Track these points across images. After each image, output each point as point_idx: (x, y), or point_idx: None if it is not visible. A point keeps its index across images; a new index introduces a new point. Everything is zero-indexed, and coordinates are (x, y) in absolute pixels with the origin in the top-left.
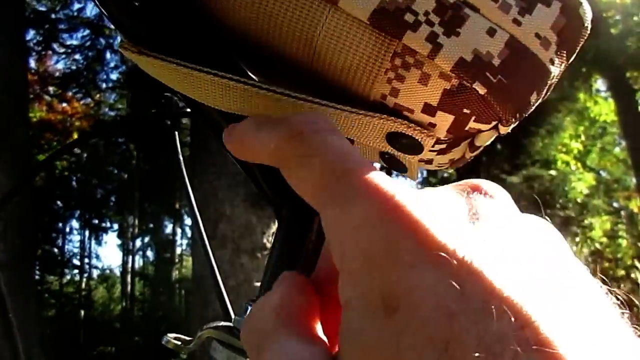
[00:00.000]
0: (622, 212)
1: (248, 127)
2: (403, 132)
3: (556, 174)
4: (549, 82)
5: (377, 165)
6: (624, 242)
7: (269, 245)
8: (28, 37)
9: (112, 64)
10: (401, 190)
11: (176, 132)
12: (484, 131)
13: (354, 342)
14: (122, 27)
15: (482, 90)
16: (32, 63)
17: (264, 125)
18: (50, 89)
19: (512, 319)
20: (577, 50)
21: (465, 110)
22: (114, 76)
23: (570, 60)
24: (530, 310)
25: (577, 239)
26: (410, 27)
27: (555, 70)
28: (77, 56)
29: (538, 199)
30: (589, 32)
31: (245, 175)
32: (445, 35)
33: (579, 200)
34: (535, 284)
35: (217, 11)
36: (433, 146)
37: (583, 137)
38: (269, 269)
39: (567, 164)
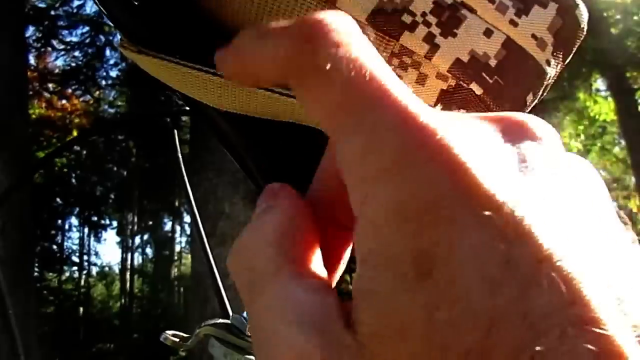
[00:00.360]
0: (622, 212)
1: (249, 37)
2: None
3: None
4: (545, 82)
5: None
6: None
7: None
8: (27, 34)
9: (111, 61)
10: (445, 123)
11: (175, 131)
12: None
13: (375, 307)
14: (122, 26)
15: (478, 91)
16: (32, 60)
17: (270, 32)
18: (50, 85)
19: (564, 292)
20: (573, 51)
21: (462, 110)
22: (113, 73)
23: (567, 61)
24: (583, 283)
25: None
26: (408, 28)
27: (552, 71)
28: (76, 53)
29: None
30: (585, 32)
31: (244, 173)
32: (442, 36)
33: None
34: (589, 250)
35: (215, 10)
36: None
37: (583, 137)
38: None
39: None
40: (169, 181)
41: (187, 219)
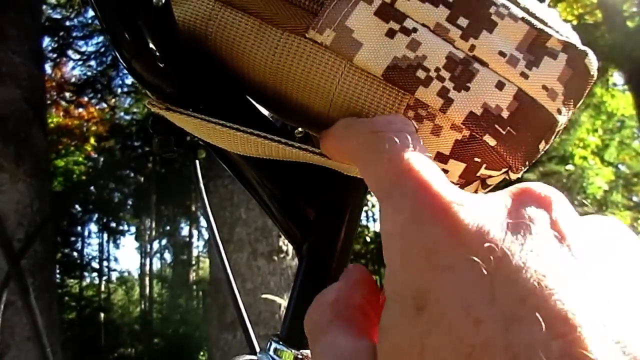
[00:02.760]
0: None
1: (338, 130)
2: None
3: (574, 169)
4: (556, 130)
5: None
6: None
7: (285, 248)
8: (44, 45)
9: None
10: (451, 192)
11: (197, 161)
12: (494, 176)
13: (385, 337)
14: (150, 87)
15: (492, 142)
16: (48, 70)
17: (351, 126)
18: (67, 94)
19: (544, 329)
20: (583, 97)
21: (476, 159)
22: (128, 81)
23: (578, 105)
24: (566, 322)
25: None
26: (422, 83)
27: (563, 118)
28: (92, 62)
29: None
30: (595, 79)
31: (259, 206)
32: (456, 90)
33: (597, 195)
34: (586, 293)
35: (234, 65)
36: None
37: (600, 132)
38: (291, 305)
39: (585, 159)
40: (185, 186)
41: (204, 223)
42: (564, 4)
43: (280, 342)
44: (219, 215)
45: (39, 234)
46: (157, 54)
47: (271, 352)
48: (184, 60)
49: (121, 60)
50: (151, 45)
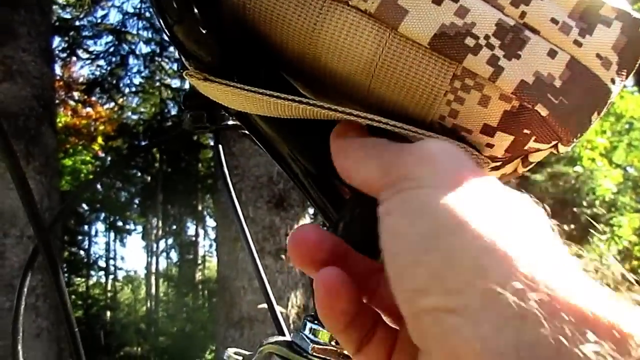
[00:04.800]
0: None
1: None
2: None
3: (582, 171)
4: (609, 100)
5: None
6: None
7: None
8: (54, 45)
9: (134, 69)
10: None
11: (220, 146)
12: (542, 150)
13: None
14: (189, 54)
15: (544, 112)
16: (57, 69)
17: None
18: (75, 94)
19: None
20: (636, 67)
21: (525, 131)
22: (136, 81)
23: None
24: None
25: (605, 238)
26: (471, 51)
27: (616, 89)
28: (101, 62)
29: (564, 197)
30: None
31: (294, 184)
32: (506, 58)
33: (606, 197)
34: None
35: (271, 35)
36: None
37: (609, 133)
38: None
39: (593, 160)
40: (191, 185)
41: (209, 222)
42: None
43: (316, 322)
44: (227, 214)
45: (65, 212)
46: (201, 20)
47: (307, 332)
48: (224, 29)
49: (163, 26)
50: (195, 11)
